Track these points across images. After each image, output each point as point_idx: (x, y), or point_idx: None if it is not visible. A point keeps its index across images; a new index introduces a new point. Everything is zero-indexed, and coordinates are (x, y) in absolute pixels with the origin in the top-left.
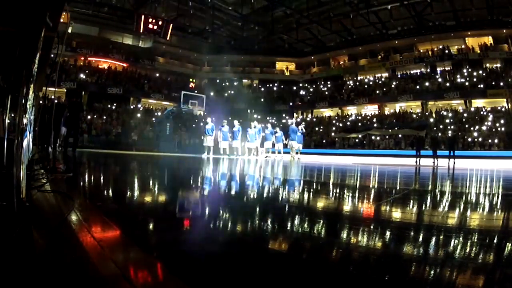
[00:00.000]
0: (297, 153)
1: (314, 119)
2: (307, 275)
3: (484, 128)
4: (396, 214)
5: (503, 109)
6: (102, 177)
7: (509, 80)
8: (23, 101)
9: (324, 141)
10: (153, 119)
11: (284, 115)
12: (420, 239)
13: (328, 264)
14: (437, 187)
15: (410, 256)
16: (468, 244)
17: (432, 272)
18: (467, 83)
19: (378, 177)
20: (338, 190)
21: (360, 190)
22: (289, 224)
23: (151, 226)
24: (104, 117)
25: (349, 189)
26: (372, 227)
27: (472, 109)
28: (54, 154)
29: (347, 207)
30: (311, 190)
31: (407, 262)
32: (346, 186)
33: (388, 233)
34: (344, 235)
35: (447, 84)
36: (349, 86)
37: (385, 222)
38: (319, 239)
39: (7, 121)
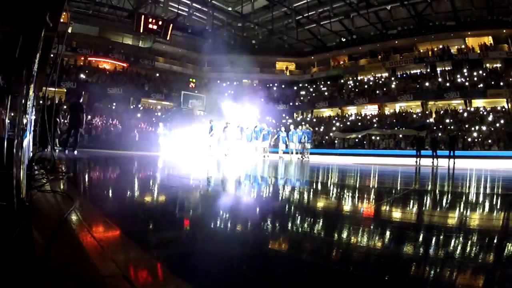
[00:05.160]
0: (297, 153)
1: (314, 119)
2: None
3: (484, 128)
4: (396, 214)
5: (503, 109)
6: (102, 177)
7: (509, 80)
8: (23, 101)
9: (324, 141)
10: (153, 119)
11: (284, 115)
12: (420, 238)
13: (330, 261)
14: (437, 187)
15: (409, 256)
16: (467, 244)
17: (431, 272)
18: (467, 83)
19: (378, 177)
20: (338, 190)
21: (360, 190)
22: (289, 224)
23: (151, 226)
24: (104, 117)
25: (349, 189)
26: (372, 226)
27: (472, 109)
28: (53, 154)
29: (347, 206)
30: (311, 190)
31: (406, 262)
32: (346, 186)
33: (389, 233)
34: (344, 234)
35: (447, 84)
36: (349, 86)
37: (387, 222)
38: (319, 238)
39: (7, 121)
